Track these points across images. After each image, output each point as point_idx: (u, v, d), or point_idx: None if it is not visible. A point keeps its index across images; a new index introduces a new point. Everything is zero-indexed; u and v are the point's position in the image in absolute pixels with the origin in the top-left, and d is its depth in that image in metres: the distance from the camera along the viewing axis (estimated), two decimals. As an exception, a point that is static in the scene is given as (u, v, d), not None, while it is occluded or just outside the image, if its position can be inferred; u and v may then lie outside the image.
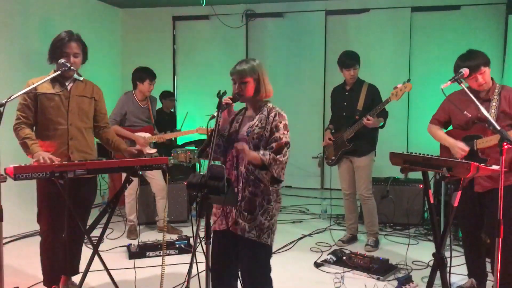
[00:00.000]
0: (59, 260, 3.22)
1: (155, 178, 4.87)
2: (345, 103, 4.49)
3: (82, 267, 3.25)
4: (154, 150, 4.90)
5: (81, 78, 3.07)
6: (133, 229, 4.88)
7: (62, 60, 2.98)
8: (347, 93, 4.50)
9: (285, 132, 2.54)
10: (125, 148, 3.29)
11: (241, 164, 2.54)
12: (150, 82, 4.82)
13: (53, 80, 3.10)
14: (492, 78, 3.21)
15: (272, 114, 2.56)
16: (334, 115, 4.69)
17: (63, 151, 3.10)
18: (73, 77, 3.11)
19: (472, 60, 3.06)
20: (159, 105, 5.84)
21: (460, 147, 3.15)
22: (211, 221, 2.47)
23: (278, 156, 2.46)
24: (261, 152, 2.46)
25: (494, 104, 3.13)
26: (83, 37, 3.18)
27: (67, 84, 3.11)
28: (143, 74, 4.83)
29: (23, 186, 3.66)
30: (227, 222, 2.54)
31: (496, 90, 3.17)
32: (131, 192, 4.82)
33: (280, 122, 2.54)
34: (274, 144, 2.49)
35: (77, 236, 3.22)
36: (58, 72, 2.96)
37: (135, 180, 4.75)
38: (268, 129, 2.53)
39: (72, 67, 2.98)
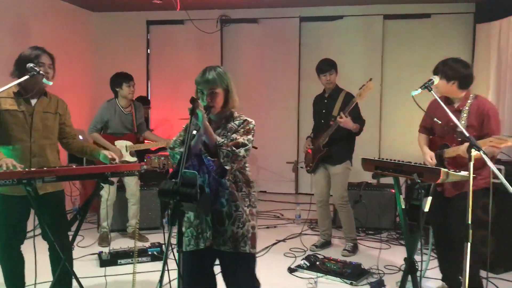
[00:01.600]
0: (19, 272, 3.18)
1: (129, 183, 4.82)
2: (323, 111, 4.53)
3: (50, 275, 3.18)
4: (134, 159, 4.83)
5: (51, 83, 2.98)
6: (105, 236, 4.80)
7: (30, 64, 2.91)
8: (325, 101, 4.55)
9: (244, 136, 2.39)
10: (103, 155, 3.13)
11: (216, 174, 2.36)
12: (127, 85, 4.74)
13: (17, 95, 3.01)
14: (467, 90, 3.26)
15: (238, 122, 2.46)
16: (315, 123, 4.73)
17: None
18: (40, 90, 3.04)
19: (442, 63, 3.21)
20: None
21: (427, 160, 3.27)
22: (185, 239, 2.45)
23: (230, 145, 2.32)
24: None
25: (464, 115, 3.19)
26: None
27: (32, 100, 3.04)
28: (118, 79, 4.76)
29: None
30: (199, 242, 2.44)
31: (469, 101, 3.22)
32: (106, 197, 4.75)
33: (243, 128, 2.43)
34: (230, 143, 2.34)
35: (64, 247, 3.03)
36: (27, 77, 2.87)
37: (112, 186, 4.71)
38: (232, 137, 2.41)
39: (41, 72, 2.91)
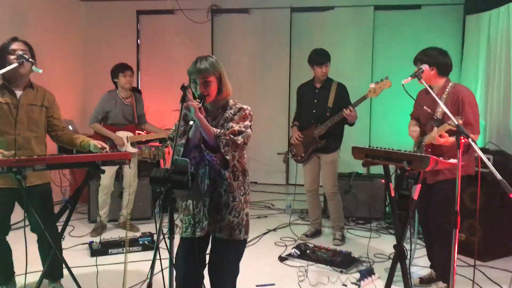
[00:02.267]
0: (5, 261, 3.19)
1: (127, 173, 4.83)
2: (315, 101, 4.52)
3: (39, 265, 3.17)
4: (135, 150, 4.81)
5: (40, 71, 2.95)
6: (102, 226, 4.80)
7: (19, 52, 2.88)
8: (317, 91, 4.53)
9: (240, 123, 2.42)
10: (92, 144, 3.12)
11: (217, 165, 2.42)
12: (122, 74, 4.71)
13: (2, 88, 2.98)
14: (446, 78, 3.32)
15: (234, 110, 2.48)
16: (302, 112, 4.66)
17: None
18: (24, 82, 3.02)
19: (420, 53, 3.35)
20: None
21: (412, 130, 3.42)
22: (181, 228, 2.53)
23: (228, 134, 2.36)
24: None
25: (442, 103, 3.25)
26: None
27: (17, 92, 3.01)
28: (115, 69, 4.75)
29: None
30: (196, 230, 2.50)
31: (447, 90, 3.29)
32: (105, 185, 4.74)
33: (239, 116, 2.45)
34: (227, 132, 2.37)
35: (53, 238, 3.02)
36: (16, 65, 2.85)
37: (109, 174, 4.70)
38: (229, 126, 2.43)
39: (30, 59, 2.88)
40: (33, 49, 3.08)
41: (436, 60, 3.27)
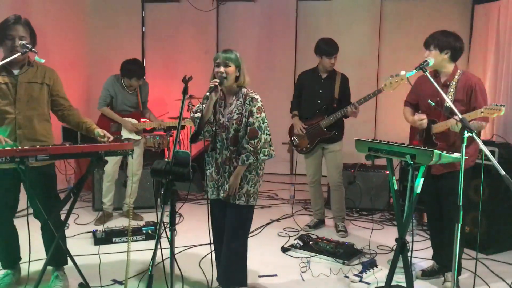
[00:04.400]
0: (12, 245, 3.24)
1: (131, 162, 4.80)
2: (320, 91, 4.47)
3: (43, 253, 3.20)
4: (139, 137, 4.80)
5: (43, 61, 2.94)
6: (102, 215, 4.82)
7: (22, 42, 2.87)
8: (322, 81, 4.49)
9: (258, 116, 2.91)
10: (97, 132, 3.09)
11: (231, 144, 2.96)
12: (137, 80, 4.68)
13: (0, 68, 2.95)
14: (455, 64, 3.28)
15: (247, 101, 2.92)
16: (305, 101, 4.58)
17: (11, 141, 2.90)
18: (22, 62, 3.00)
19: (430, 36, 3.29)
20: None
21: (418, 118, 3.32)
22: (207, 192, 3.09)
23: (251, 142, 2.89)
24: (239, 163, 2.93)
25: (451, 90, 3.21)
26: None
27: (14, 71, 2.98)
28: (131, 73, 4.63)
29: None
30: (220, 192, 3.03)
31: (456, 76, 3.24)
32: (108, 172, 4.74)
33: (254, 107, 2.91)
34: (248, 129, 2.90)
35: (56, 226, 3.02)
36: (19, 54, 2.84)
37: (113, 161, 4.71)
38: (245, 115, 2.92)
39: (33, 49, 2.87)
40: (36, 33, 3.04)
41: (451, 44, 3.20)
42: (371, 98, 4.14)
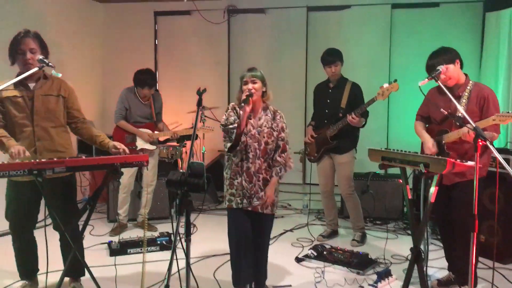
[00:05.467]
0: (31, 256, 3.28)
1: (147, 172, 4.86)
2: (328, 100, 4.51)
3: (61, 264, 3.24)
4: (154, 147, 4.86)
5: (60, 75, 3.00)
6: (117, 226, 4.85)
7: (40, 57, 2.93)
8: (330, 91, 4.53)
9: (287, 131, 3.23)
10: (112, 145, 3.14)
11: (262, 155, 3.13)
12: (149, 89, 4.78)
13: (16, 85, 3.00)
14: (466, 75, 3.29)
15: (278, 117, 3.22)
16: (317, 111, 4.69)
17: (31, 153, 2.95)
18: (37, 75, 3.06)
19: (432, 58, 3.23)
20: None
21: (428, 147, 3.30)
22: (231, 201, 3.13)
23: (282, 155, 3.17)
24: (273, 175, 3.16)
25: (464, 101, 3.21)
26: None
27: (30, 84, 3.05)
28: (142, 82, 4.74)
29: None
30: (253, 201, 3.14)
31: (468, 87, 3.24)
32: (124, 184, 4.79)
33: (284, 123, 3.23)
34: (281, 143, 3.18)
35: (74, 237, 3.09)
36: (36, 69, 2.91)
37: (129, 173, 4.77)
38: (277, 130, 3.18)
39: (51, 64, 2.93)
40: (48, 48, 3.10)
41: (456, 53, 3.24)
42: (367, 107, 4.16)
